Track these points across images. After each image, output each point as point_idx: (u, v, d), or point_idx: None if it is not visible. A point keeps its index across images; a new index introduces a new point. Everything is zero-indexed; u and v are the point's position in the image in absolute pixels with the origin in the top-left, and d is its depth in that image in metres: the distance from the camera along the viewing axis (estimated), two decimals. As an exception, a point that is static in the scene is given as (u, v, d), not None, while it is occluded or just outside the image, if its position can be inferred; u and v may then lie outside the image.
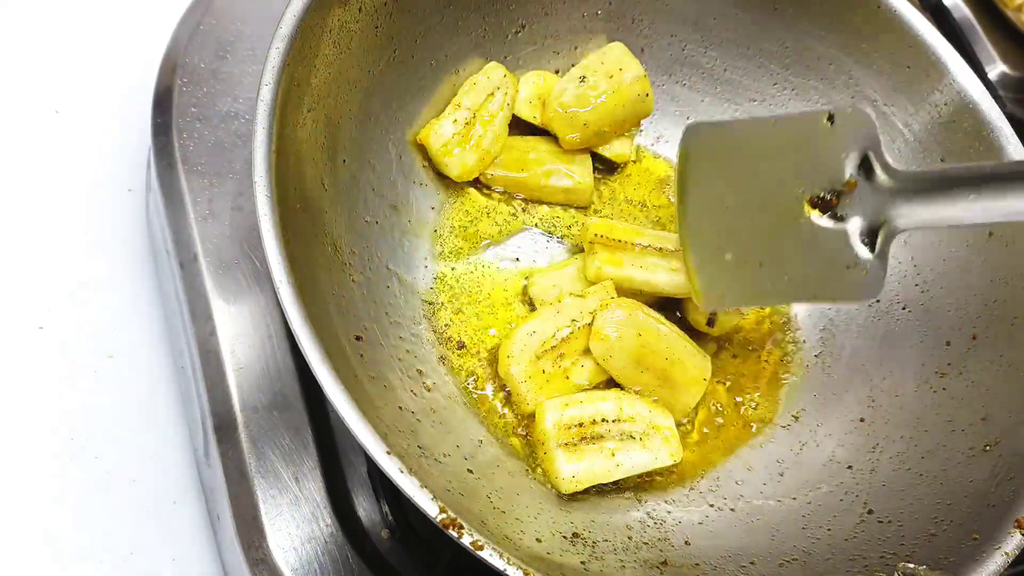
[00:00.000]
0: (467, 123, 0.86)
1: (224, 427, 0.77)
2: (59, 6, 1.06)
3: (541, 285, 0.86)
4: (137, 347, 0.90)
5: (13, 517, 0.81)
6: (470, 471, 0.71)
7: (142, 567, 0.81)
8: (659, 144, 0.99)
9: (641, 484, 0.80)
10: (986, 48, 1.20)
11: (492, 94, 0.88)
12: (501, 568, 0.57)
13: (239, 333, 0.81)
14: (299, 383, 0.80)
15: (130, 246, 0.95)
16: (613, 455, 0.76)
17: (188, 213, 0.85)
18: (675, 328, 0.81)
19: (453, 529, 0.56)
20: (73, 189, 0.96)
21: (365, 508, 0.78)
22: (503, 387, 0.81)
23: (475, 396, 0.81)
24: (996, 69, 1.19)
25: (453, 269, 0.86)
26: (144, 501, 0.84)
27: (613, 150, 0.93)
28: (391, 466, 0.56)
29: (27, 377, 0.87)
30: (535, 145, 0.91)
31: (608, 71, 0.88)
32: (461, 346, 0.82)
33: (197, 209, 0.84)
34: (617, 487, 0.79)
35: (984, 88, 0.84)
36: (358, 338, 0.71)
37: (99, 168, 0.98)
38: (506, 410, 0.81)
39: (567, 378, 0.80)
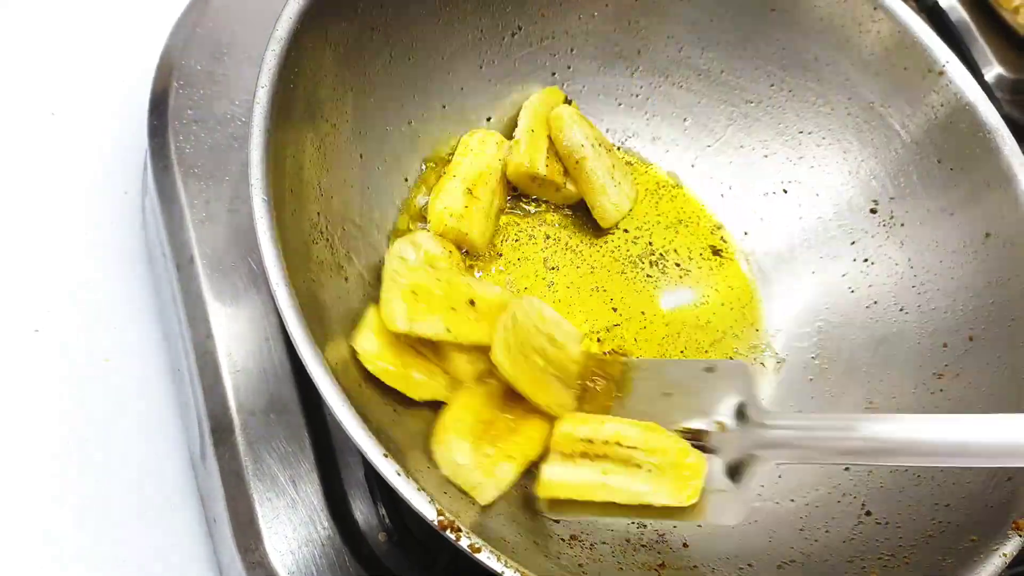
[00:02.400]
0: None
1: (220, 430, 0.77)
2: (56, 8, 1.06)
3: None
4: (133, 350, 0.90)
5: (13, 517, 0.81)
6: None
7: (139, 569, 0.81)
8: (655, 145, 0.99)
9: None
10: (982, 50, 1.21)
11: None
12: (499, 571, 0.57)
13: (236, 336, 0.81)
14: (296, 386, 0.80)
15: (126, 249, 0.95)
16: (604, 474, 0.72)
17: (184, 216, 0.84)
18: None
19: (451, 532, 0.56)
20: (69, 192, 0.96)
21: (362, 511, 0.78)
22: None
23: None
24: (992, 71, 1.20)
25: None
26: (140, 504, 0.84)
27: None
28: (388, 468, 0.57)
29: (24, 380, 0.87)
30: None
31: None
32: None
33: (193, 212, 0.84)
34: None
35: (981, 90, 0.84)
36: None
37: (95, 170, 0.98)
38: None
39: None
